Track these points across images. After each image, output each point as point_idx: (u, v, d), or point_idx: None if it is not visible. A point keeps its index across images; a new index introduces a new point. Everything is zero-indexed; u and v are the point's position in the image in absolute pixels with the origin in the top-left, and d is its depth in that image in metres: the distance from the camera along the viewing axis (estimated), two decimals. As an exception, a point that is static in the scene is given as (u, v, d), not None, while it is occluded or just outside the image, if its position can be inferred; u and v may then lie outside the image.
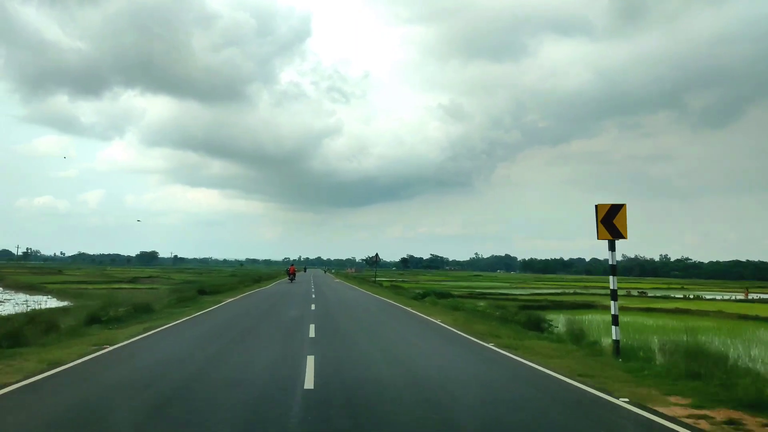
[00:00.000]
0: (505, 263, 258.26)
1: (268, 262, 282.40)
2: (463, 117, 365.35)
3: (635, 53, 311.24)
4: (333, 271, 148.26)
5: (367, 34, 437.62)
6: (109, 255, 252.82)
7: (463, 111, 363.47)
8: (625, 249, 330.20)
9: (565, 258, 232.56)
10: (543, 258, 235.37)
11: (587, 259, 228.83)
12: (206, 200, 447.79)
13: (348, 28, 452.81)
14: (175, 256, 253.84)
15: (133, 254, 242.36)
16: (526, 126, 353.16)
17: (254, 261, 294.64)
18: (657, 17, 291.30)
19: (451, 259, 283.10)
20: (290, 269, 59.86)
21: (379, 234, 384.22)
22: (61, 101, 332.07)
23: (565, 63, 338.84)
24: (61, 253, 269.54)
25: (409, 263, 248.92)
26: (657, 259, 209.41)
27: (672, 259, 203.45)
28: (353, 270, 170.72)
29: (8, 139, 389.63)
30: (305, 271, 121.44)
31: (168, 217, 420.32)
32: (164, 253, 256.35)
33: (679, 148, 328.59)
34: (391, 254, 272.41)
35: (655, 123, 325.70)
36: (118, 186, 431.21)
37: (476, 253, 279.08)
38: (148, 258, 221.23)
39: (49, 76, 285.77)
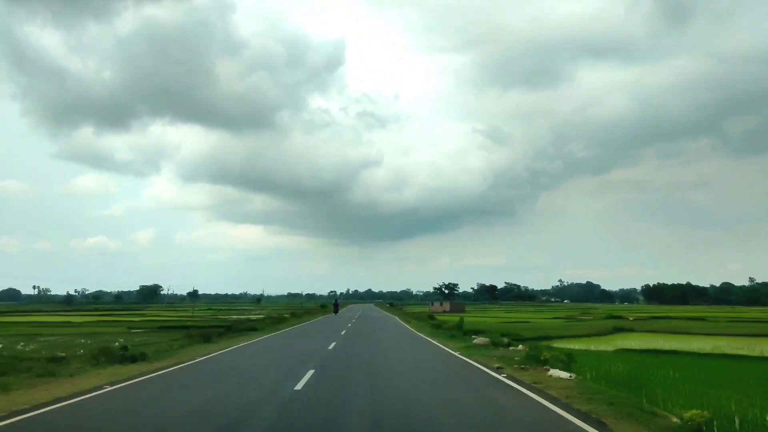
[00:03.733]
0: (601, 292, 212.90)
1: (311, 297, 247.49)
2: (502, 146, 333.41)
3: (674, 77, 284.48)
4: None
5: (402, 62, 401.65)
6: (132, 291, 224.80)
7: (503, 140, 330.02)
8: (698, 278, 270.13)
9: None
10: (669, 283, 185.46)
11: (703, 285, 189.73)
12: (253, 236, 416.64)
13: (382, 56, 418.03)
14: (195, 291, 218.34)
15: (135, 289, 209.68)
16: (567, 156, 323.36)
17: (296, 296, 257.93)
18: (695, 37, 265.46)
19: (530, 288, 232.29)
20: None
21: (425, 266, 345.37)
22: (86, 134, 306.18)
23: (603, 89, 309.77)
24: (77, 290, 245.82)
25: (497, 293, 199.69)
26: (747, 284, 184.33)
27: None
28: (447, 305, 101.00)
29: (47, 179, 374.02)
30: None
31: (216, 254, 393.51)
32: (218, 290, 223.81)
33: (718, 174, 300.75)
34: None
35: (697, 150, 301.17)
36: (164, 224, 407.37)
37: (560, 281, 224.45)
38: (148, 294, 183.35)
39: (73, 108, 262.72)
